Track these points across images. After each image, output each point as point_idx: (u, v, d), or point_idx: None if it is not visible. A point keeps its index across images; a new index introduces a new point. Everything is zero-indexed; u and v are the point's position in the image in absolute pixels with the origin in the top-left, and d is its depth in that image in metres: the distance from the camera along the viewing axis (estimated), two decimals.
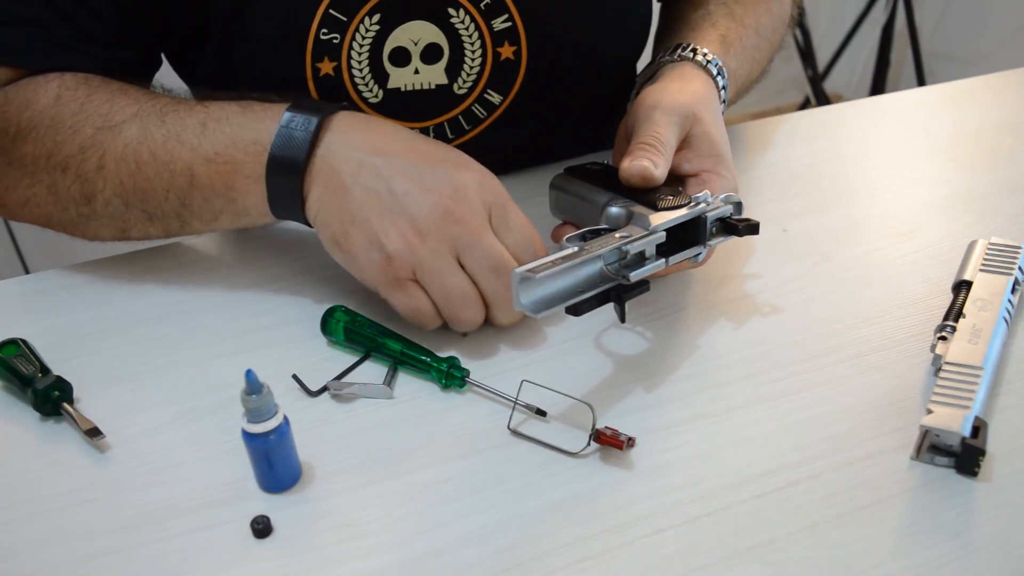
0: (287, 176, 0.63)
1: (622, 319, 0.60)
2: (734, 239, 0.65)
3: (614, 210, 0.63)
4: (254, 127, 0.64)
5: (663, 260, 0.60)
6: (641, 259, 0.60)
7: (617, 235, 0.59)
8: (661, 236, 0.60)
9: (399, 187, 0.61)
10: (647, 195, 0.63)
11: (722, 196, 0.64)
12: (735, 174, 0.68)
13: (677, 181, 0.67)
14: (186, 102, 0.68)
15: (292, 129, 0.63)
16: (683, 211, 0.61)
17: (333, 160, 0.63)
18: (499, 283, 0.61)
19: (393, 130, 0.66)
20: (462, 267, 0.61)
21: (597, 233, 0.61)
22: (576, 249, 0.57)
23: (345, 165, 0.62)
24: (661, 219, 0.60)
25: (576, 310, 0.57)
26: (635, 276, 0.58)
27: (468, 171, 0.63)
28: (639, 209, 0.62)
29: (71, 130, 0.67)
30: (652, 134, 0.65)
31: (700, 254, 0.63)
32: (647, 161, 0.63)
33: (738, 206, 0.65)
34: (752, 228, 0.63)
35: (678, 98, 0.67)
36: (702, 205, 0.62)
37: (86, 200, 0.68)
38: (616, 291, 0.59)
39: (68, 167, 0.68)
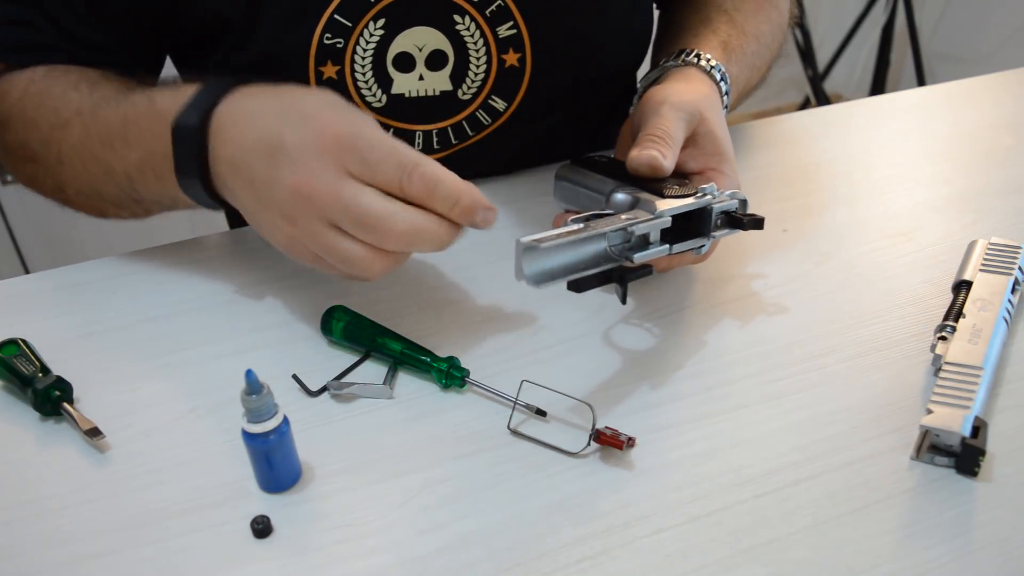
0: (197, 192, 0.64)
1: (623, 300, 0.60)
2: (737, 238, 0.65)
3: (620, 196, 0.63)
4: (162, 135, 0.63)
5: (667, 246, 0.60)
6: (645, 243, 0.60)
7: (623, 216, 0.59)
8: (667, 221, 0.60)
9: (258, 177, 0.59)
10: (653, 185, 0.63)
11: (728, 192, 0.64)
12: (738, 173, 0.68)
13: (682, 178, 0.67)
14: (115, 93, 0.69)
15: (183, 140, 0.62)
16: (690, 200, 0.62)
17: (218, 168, 0.62)
18: (374, 235, 0.57)
19: (249, 112, 0.61)
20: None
21: (601, 217, 0.61)
22: (582, 226, 0.57)
23: (224, 168, 0.62)
24: (668, 205, 0.60)
25: (578, 286, 0.57)
26: (639, 259, 0.59)
27: (303, 129, 0.58)
28: (646, 196, 0.62)
29: (33, 124, 0.71)
30: (660, 127, 0.65)
31: (704, 246, 0.63)
32: (656, 151, 0.63)
33: (743, 203, 0.65)
34: (757, 223, 0.63)
35: (685, 96, 0.67)
36: (708, 196, 0.62)
37: (59, 189, 0.73)
38: (619, 272, 0.59)
39: (38, 160, 0.72)
